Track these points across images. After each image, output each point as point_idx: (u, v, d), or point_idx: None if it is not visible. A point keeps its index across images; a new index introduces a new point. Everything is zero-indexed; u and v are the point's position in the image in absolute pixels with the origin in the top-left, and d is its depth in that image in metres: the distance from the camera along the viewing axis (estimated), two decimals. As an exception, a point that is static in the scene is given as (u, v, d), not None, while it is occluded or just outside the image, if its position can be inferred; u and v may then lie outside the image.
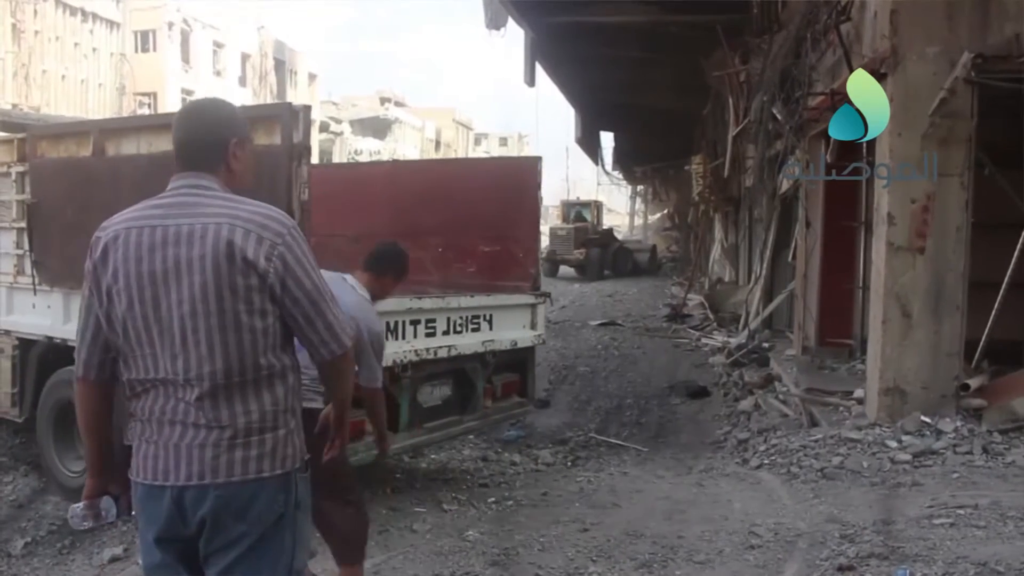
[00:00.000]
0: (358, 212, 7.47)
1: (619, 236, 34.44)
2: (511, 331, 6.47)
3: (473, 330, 6.11)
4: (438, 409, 6.01)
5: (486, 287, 6.71)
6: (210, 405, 2.18)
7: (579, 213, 31.27)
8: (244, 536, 2.19)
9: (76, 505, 2.45)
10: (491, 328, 6.25)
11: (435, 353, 5.79)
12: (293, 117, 4.75)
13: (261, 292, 2.19)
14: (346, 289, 3.87)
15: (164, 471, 2.19)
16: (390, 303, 5.65)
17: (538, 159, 7.03)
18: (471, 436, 7.90)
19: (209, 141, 2.33)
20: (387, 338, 5.44)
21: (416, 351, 5.62)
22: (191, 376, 2.17)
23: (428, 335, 5.74)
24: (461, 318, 6.02)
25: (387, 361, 5.34)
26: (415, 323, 5.63)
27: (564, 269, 28.05)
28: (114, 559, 4.90)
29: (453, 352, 5.93)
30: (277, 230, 2.21)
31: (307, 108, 4.92)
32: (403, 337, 5.53)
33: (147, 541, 2.28)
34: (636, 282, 25.03)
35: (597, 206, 32.68)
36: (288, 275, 2.21)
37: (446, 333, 5.88)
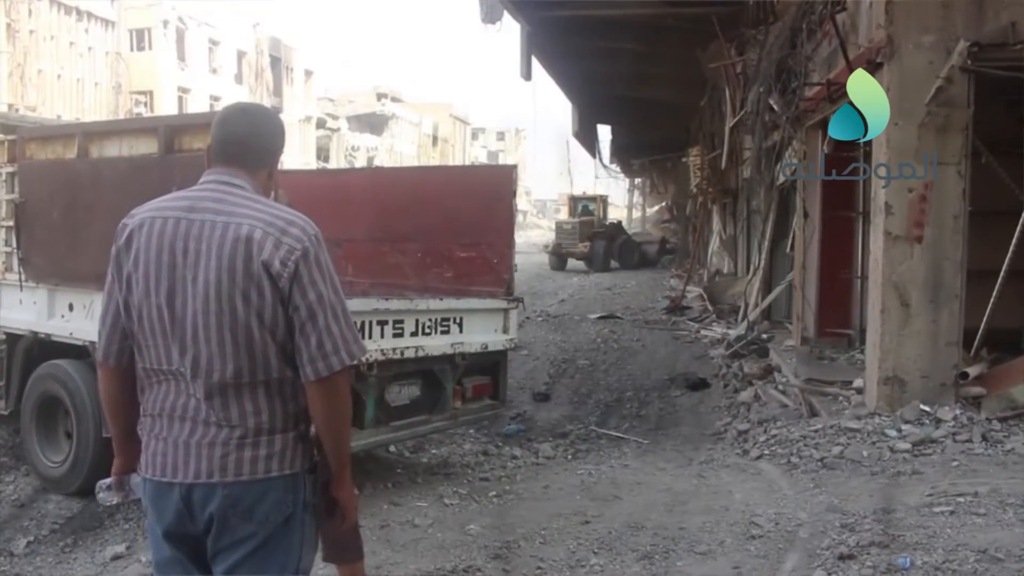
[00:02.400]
0: (340, 218, 7.57)
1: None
2: (482, 334, 6.52)
3: (442, 332, 6.17)
4: (406, 408, 6.07)
5: (461, 291, 6.80)
6: (220, 403, 2.17)
7: (586, 207, 32.26)
8: (252, 535, 2.18)
9: (103, 480, 2.44)
10: (461, 331, 6.31)
11: (402, 353, 5.83)
12: None
13: (274, 302, 2.15)
14: None
15: (172, 468, 2.18)
16: (356, 303, 5.70)
17: (513, 168, 7.21)
18: (472, 432, 7.94)
19: (260, 143, 2.35)
20: None
21: (383, 351, 5.66)
22: (200, 372, 2.16)
23: (396, 335, 5.79)
24: (430, 320, 6.09)
25: (348, 363, 5.36)
26: (382, 323, 5.69)
27: (573, 262, 29.01)
28: (116, 557, 4.91)
29: (421, 353, 5.97)
30: (298, 236, 2.17)
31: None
32: (370, 336, 5.57)
33: (156, 537, 2.27)
34: (635, 275, 25.10)
35: (603, 200, 33.50)
36: (297, 282, 2.15)
37: (414, 334, 5.92)
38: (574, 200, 34.49)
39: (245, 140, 2.32)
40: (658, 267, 28.57)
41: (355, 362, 2.26)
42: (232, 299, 2.14)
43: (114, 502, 2.49)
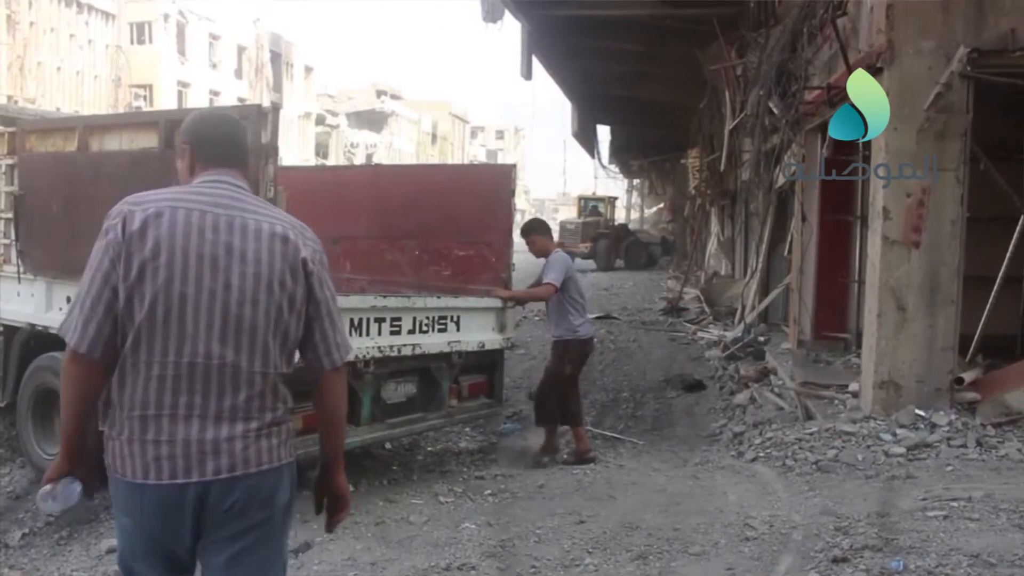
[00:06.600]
0: (339, 215, 7.59)
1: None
2: (479, 333, 6.53)
3: (440, 330, 6.18)
4: (402, 406, 6.09)
5: (459, 289, 6.79)
6: (243, 397, 2.19)
7: (594, 208, 33.07)
8: (265, 521, 2.24)
9: (44, 488, 2.31)
10: (458, 329, 6.32)
11: (399, 351, 5.85)
12: (262, 118, 4.96)
13: (303, 292, 2.29)
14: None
15: (185, 469, 2.12)
16: (354, 300, 5.75)
17: (511, 167, 7.26)
18: (468, 430, 7.94)
19: (244, 145, 2.49)
20: (351, 334, 5.48)
21: (380, 348, 5.68)
22: (227, 362, 2.16)
23: (393, 333, 5.80)
24: (427, 318, 6.10)
25: (349, 356, 5.39)
26: (380, 320, 5.70)
27: (581, 261, 29.04)
28: (111, 550, 4.89)
29: (418, 351, 5.99)
30: (314, 238, 2.37)
31: (275, 109, 5.05)
32: (367, 333, 5.58)
33: (137, 543, 2.22)
34: (632, 275, 25.12)
35: (611, 201, 34.02)
36: (318, 280, 2.33)
37: (411, 332, 5.93)
38: (583, 200, 35.10)
39: (243, 144, 2.47)
40: (656, 268, 28.67)
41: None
42: (271, 286, 2.23)
43: (57, 509, 2.38)
